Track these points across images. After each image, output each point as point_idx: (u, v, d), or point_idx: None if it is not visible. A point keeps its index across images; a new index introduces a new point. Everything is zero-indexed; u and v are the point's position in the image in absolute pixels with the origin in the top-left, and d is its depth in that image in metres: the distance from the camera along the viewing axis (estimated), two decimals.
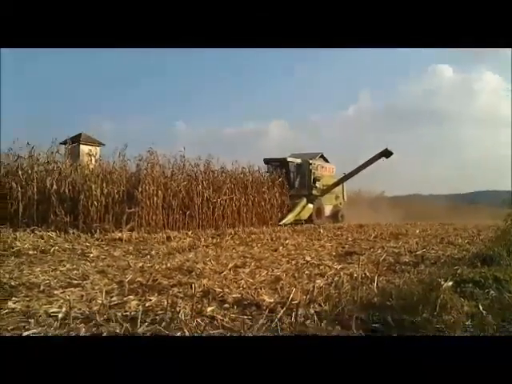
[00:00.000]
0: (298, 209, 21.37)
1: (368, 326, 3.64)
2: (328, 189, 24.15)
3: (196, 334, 3.38)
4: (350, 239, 11.97)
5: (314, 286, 5.05)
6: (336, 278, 5.74)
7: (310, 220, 21.97)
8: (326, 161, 26.39)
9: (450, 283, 4.57)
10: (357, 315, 3.76)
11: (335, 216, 25.06)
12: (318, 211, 23.14)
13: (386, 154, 23.08)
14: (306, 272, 6.39)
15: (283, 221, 19.99)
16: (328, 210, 24.69)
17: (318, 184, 23.55)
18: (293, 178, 23.11)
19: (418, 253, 8.63)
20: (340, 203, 26.33)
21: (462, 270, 6.10)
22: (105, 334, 3.29)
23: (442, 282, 4.50)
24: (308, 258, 7.78)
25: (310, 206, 22.30)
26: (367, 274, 5.96)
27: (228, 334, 3.54)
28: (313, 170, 23.55)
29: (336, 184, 24.69)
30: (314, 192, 23.18)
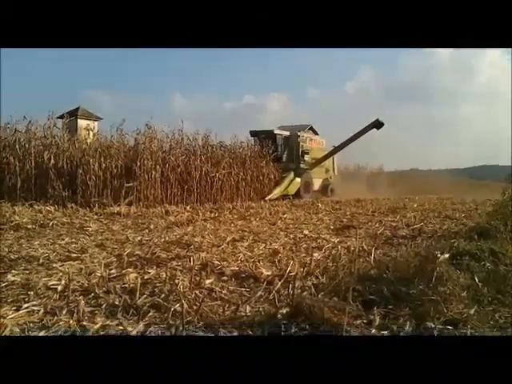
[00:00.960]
0: (285, 183, 20.79)
1: (365, 298, 3.67)
2: (317, 162, 23.49)
3: (195, 307, 3.41)
4: (347, 213, 12.02)
5: (311, 259, 5.10)
6: (333, 251, 5.79)
7: (297, 194, 21.39)
8: (316, 133, 25.60)
9: (447, 255, 4.59)
10: (354, 287, 3.79)
11: (325, 190, 24.45)
12: (306, 185, 22.57)
13: (378, 125, 22.33)
14: (304, 245, 6.43)
15: (269, 196, 19.31)
16: (317, 184, 24.12)
17: (306, 157, 22.95)
18: (280, 151, 22.50)
19: (415, 227, 8.68)
20: (330, 177, 25.72)
21: (458, 243, 6.14)
22: (104, 333, 3.30)
23: (439, 255, 4.52)
24: (306, 232, 7.82)
25: (298, 180, 21.72)
26: (364, 247, 6.00)
27: (220, 311, 3.57)
28: (301, 143, 22.93)
29: (325, 157, 23.97)
30: (303, 165, 22.60)
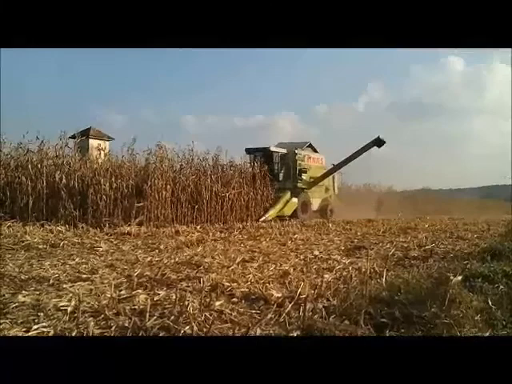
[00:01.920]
0: (280, 204, 19.66)
1: (376, 321, 3.63)
2: (316, 181, 22.34)
3: (205, 329, 3.38)
4: (358, 234, 11.94)
5: (322, 281, 5.05)
6: (344, 273, 5.74)
7: (294, 215, 20.18)
8: (315, 150, 24.35)
9: (460, 278, 4.55)
10: (365, 310, 3.75)
11: (324, 211, 23.35)
12: (304, 206, 21.41)
13: (378, 142, 21.04)
14: (315, 266, 6.39)
15: (263, 217, 18.11)
16: (316, 204, 22.99)
17: (304, 176, 21.74)
18: (277, 170, 21.40)
19: (427, 247, 8.59)
20: (330, 196, 24.55)
21: (471, 264, 6.08)
22: (108, 334, 3.29)
23: (451, 277, 4.48)
24: (316, 253, 7.78)
25: (295, 200, 20.57)
26: (376, 268, 5.95)
27: (230, 333, 3.54)
28: (298, 161, 21.67)
29: (324, 176, 22.71)
30: (300, 185, 21.47)
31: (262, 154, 20.82)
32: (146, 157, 15.43)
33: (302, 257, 7.35)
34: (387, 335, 3.31)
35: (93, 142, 20.26)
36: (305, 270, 6.13)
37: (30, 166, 13.33)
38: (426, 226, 15.10)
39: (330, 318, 3.66)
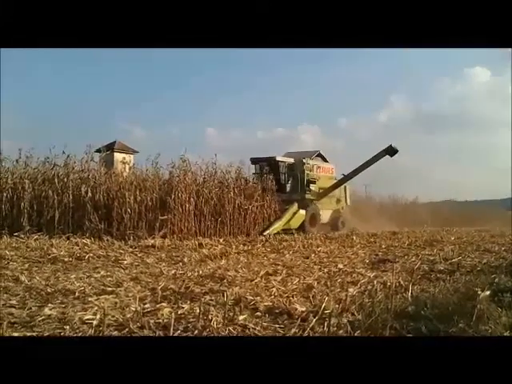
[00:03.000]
0: (286, 216, 18.40)
1: (402, 336, 3.57)
2: (325, 192, 21.26)
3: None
4: (383, 246, 11.82)
5: (346, 295, 5.00)
6: (369, 287, 5.68)
7: (302, 228, 18.90)
8: (325, 160, 23.40)
9: (488, 292, 4.45)
10: (391, 324, 3.69)
11: (335, 223, 22.23)
12: (313, 218, 20.20)
13: (390, 151, 19.86)
14: (339, 280, 6.33)
15: (267, 230, 16.87)
16: (326, 216, 21.88)
17: (312, 187, 20.66)
18: (284, 180, 20.42)
19: (453, 260, 8.45)
20: (342, 208, 23.45)
21: (499, 278, 5.95)
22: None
23: (479, 292, 4.39)
24: (340, 266, 7.71)
25: (302, 212, 19.32)
26: (401, 282, 5.87)
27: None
28: (306, 171, 20.54)
29: (334, 186, 21.57)
30: (308, 196, 20.32)
31: (267, 164, 19.95)
32: (169, 170, 15.61)
33: (325, 270, 7.30)
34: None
35: (118, 156, 20.54)
36: (329, 283, 6.08)
37: (56, 180, 13.62)
38: (452, 238, 14.88)
39: (355, 333, 3.62)
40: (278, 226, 17.65)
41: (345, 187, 23.46)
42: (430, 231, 18.91)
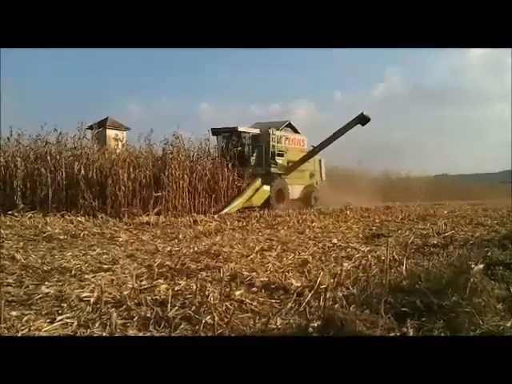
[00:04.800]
0: (247, 193, 16.84)
1: (397, 310, 3.61)
2: (294, 166, 19.46)
3: (225, 319, 3.42)
4: (377, 221, 11.87)
5: (341, 269, 5.05)
6: (364, 261, 5.73)
7: (267, 205, 17.36)
8: (296, 131, 21.46)
9: (481, 266, 4.50)
10: (385, 299, 3.74)
11: (307, 199, 20.44)
12: (280, 194, 18.46)
13: (362, 120, 18.31)
14: (333, 255, 6.39)
15: (225, 209, 15.42)
16: (297, 191, 20.25)
17: (280, 160, 18.92)
18: (248, 153, 18.89)
19: (446, 234, 8.49)
20: (316, 182, 21.73)
21: (492, 252, 6.02)
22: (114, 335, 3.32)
23: (473, 265, 4.44)
24: (335, 241, 7.75)
25: (266, 188, 17.64)
26: (395, 256, 5.93)
27: (251, 323, 3.57)
28: (272, 143, 18.61)
29: (303, 159, 19.65)
30: (275, 170, 18.59)
31: (230, 136, 18.66)
32: (163, 147, 15.55)
33: (320, 245, 7.34)
34: (408, 326, 3.30)
35: (110, 133, 20.36)
36: (324, 258, 6.14)
37: (49, 158, 13.57)
38: (445, 212, 14.95)
39: (351, 308, 3.66)
40: (236, 204, 16.19)
41: (320, 161, 22.24)
42: (423, 206, 19.00)
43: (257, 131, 19.12)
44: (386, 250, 5.46)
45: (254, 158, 18.90)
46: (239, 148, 18.19)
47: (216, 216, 13.60)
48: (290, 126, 21.29)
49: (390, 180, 36.72)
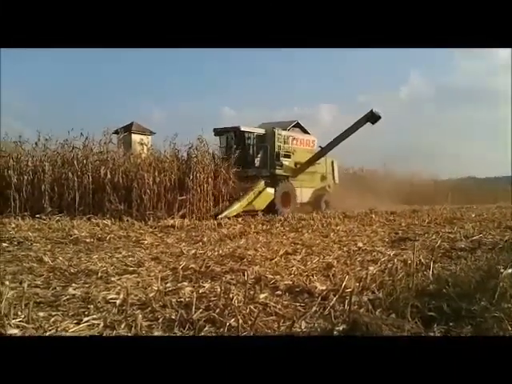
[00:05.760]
0: (249, 196, 15.80)
1: (424, 315, 3.56)
2: (302, 167, 18.41)
3: (250, 322, 3.41)
4: (403, 224, 11.74)
5: (367, 273, 5.00)
6: (389, 265, 5.66)
7: (271, 209, 16.47)
8: (305, 131, 20.22)
9: (510, 270, 4.40)
10: (412, 303, 3.69)
11: (317, 202, 19.39)
12: (286, 197, 17.41)
13: (372, 117, 17.19)
14: (359, 259, 6.33)
15: (224, 213, 14.51)
16: (306, 194, 19.12)
17: (286, 161, 17.83)
18: (253, 154, 17.79)
19: (474, 238, 8.35)
20: (328, 186, 20.54)
21: None
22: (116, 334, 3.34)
23: (501, 269, 4.35)
24: (360, 245, 7.69)
25: (270, 191, 16.66)
26: (422, 260, 5.84)
27: (275, 326, 3.55)
28: (278, 143, 17.58)
29: (311, 161, 18.52)
30: (280, 172, 17.50)
31: (232, 136, 17.66)
32: (187, 151, 15.64)
33: (345, 249, 7.29)
34: (435, 330, 3.25)
35: (135, 137, 20.61)
36: (349, 262, 6.09)
37: (75, 162, 13.77)
38: (473, 215, 14.69)
39: (376, 312, 3.62)
40: (236, 208, 15.20)
41: (332, 162, 21.04)
42: (449, 209, 18.72)
43: (261, 131, 18.14)
44: (413, 253, 5.39)
45: (258, 159, 17.84)
46: (242, 149, 17.16)
47: (218, 218, 13.44)
48: (298, 125, 20.14)
49: (416, 183, 36.19)
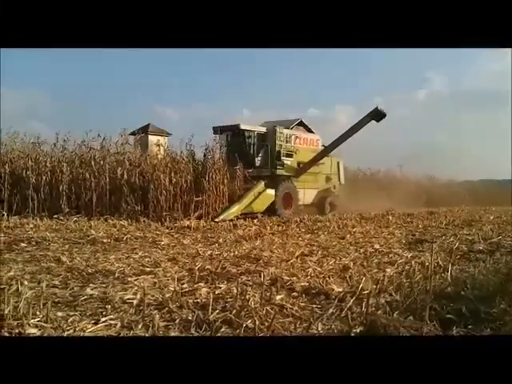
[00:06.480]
0: (248, 198, 15.20)
1: (442, 317, 3.53)
2: (304, 167, 17.66)
3: (266, 323, 3.40)
4: (420, 226, 11.65)
5: (384, 275, 4.97)
6: (407, 267, 5.62)
7: (271, 210, 15.90)
8: (309, 130, 19.63)
9: None
10: (430, 305, 3.65)
11: (321, 204, 18.88)
12: (287, 198, 16.80)
13: (376, 115, 16.26)
14: (375, 260, 6.30)
15: (222, 215, 13.89)
16: (310, 196, 18.56)
17: (288, 161, 17.19)
18: (253, 153, 17.05)
19: (493, 240, 8.28)
20: (334, 187, 19.88)
21: None
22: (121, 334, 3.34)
23: None
24: (377, 246, 7.65)
25: (270, 192, 15.97)
26: (440, 262, 5.79)
27: (292, 328, 3.54)
28: (279, 142, 16.90)
29: (314, 160, 17.67)
30: (281, 172, 16.84)
31: (232, 134, 17.02)
32: (203, 152, 15.68)
33: (361, 250, 7.25)
34: (454, 333, 3.22)
35: (152, 138, 20.71)
36: (365, 264, 6.05)
37: (93, 163, 13.86)
38: (491, 217, 14.53)
39: (394, 314, 3.60)
40: (234, 210, 14.53)
41: (337, 163, 20.39)
42: (467, 211, 18.53)
43: (262, 129, 17.38)
44: (431, 255, 5.34)
45: (259, 158, 17.12)
46: (242, 147, 16.62)
47: (216, 220, 13.03)
48: (301, 124, 19.54)
49: (434, 184, 35.89)
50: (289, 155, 17.29)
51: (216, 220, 13.20)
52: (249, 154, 16.80)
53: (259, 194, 15.61)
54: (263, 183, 15.91)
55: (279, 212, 16.01)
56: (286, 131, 17.52)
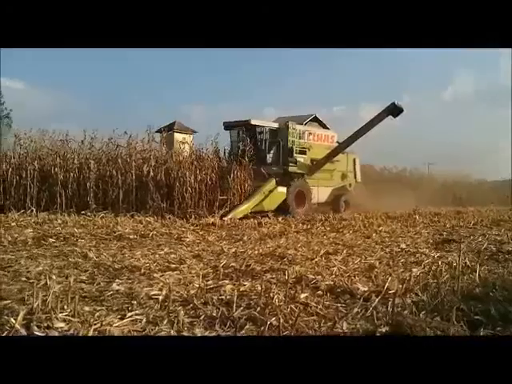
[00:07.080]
0: (258, 195, 14.64)
1: (470, 318, 3.46)
2: (318, 165, 17.14)
3: (290, 321, 3.39)
4: (447, 226, 11.48)
5: (410, 275, 4.90)
6: (434, 267, 5.54)
7: (284, 209, 15.39)
8: (324, 126, 19.20)
9: None
10: (457, 306, 3.59)
11: (336, 202, 18.47)
12: (300, 196, 16.21)
13: (393, 110, 15.73)
14: (402, 260, 6.22)
15: (231, 214, 13.22)
16: (324, 194, 18.07)
17: (301, 158, 16.61)
18: (265, 149, 16.67)
19: None
20: (349, 185, 19.50)
21: None
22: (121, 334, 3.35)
23: None
24: (403, 246, 7.55)
25: (281, 190, 15.43)
26: (467, 263, 5.69)
27: (316, 326, 3.52)
28: (291, 138, 16.26)
29: (328, 157, 17.14)
30: (294, 169, 16.28)
31: (243, 130, 16.57)
32: (226, 149, 15.74)
33: (387, 250, 7.17)
34: (481, 334, 3.16)
35: (178, 136, 20.89)
36: (391, 263, 5.98)
37: (119, 160, 14.05)
38: None
39: (420, 315, 3.55)
40: (244, 208, 13.96)
41: (354, 160, 19.95)
42: (496, 210, 18.17)
43: (274, 125, 16.92)
44: (458, 256, 5.26)
45: (270, 155, 16.72)
46: (253, 144, 16.07)
47: (226, 219, 12.54)
48: (316, 120, 19.05)
49: (462, 184, 35.31)
50: (302, 152, 16.76)
51: (224, 218, 12.66)
52: (260, 151, 16.38)
53: (270, 192, 15.11)
54: (274, 181, 15.38)
55: (291, 210, 15.51)
56: (298, 127, 16.97)
